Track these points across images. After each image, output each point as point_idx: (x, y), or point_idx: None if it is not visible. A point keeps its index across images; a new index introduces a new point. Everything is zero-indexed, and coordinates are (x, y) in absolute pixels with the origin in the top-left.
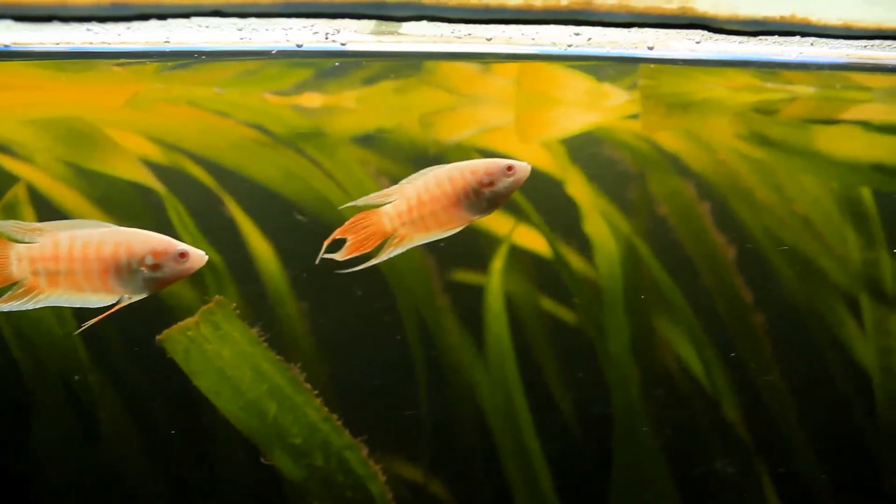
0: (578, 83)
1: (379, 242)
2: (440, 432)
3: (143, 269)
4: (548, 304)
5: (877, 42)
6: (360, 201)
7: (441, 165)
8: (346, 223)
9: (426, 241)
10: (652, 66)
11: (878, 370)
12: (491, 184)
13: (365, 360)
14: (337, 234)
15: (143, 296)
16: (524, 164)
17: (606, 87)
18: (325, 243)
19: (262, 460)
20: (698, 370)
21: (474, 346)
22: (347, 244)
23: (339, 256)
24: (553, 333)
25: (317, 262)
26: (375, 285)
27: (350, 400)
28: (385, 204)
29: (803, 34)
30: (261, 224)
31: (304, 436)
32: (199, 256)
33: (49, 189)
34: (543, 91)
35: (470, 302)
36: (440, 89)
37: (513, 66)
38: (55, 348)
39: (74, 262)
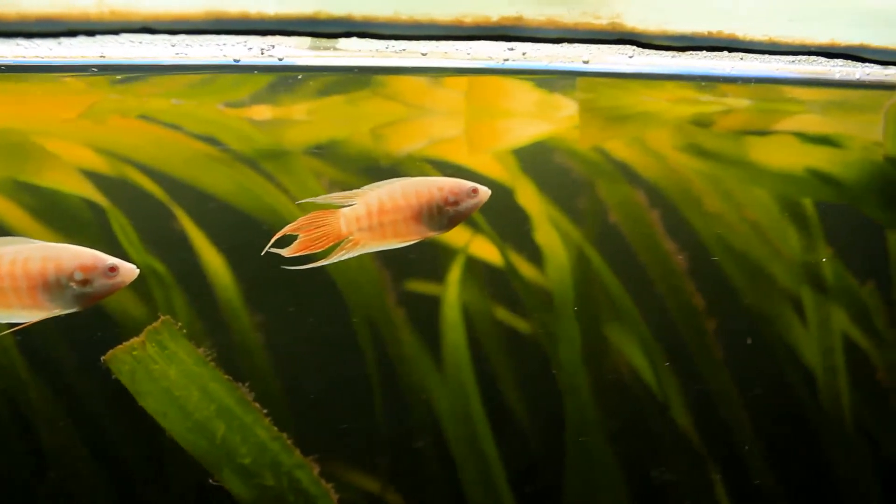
0: (529, 94)
1: (331, 244)
2: (397, 442)
3: (72, 284)
4: (502, 313)
5: (802, 57)
6: (321, 199)
7: (407, 177)
8: (302, 218)
9: (379, 250)
10: (590, 79)
11: (821, 369)
12: (455, 203)
13: (321, 371)
14: (289, 229)
15: (74, 310)
16: (486, 188)
17: (557, 97)
18: (275, 237)
19: (211, 481)
20: (649, 376)
21: (430, 356)
22: (298, 241)
23: (286, 252)
24: (507, 342)
25: (262, 253)
26: (330, 295)
27: (306, 411)
28: (344, 206)
29: (731, 49)
30: (214, 237)
31: (254, 455)
32: (129, 270)
33: None
34: (494, 102)
35: (425, 312)
36: (391, 100)
37: (463, 78)
38: None
39: (2, 279)
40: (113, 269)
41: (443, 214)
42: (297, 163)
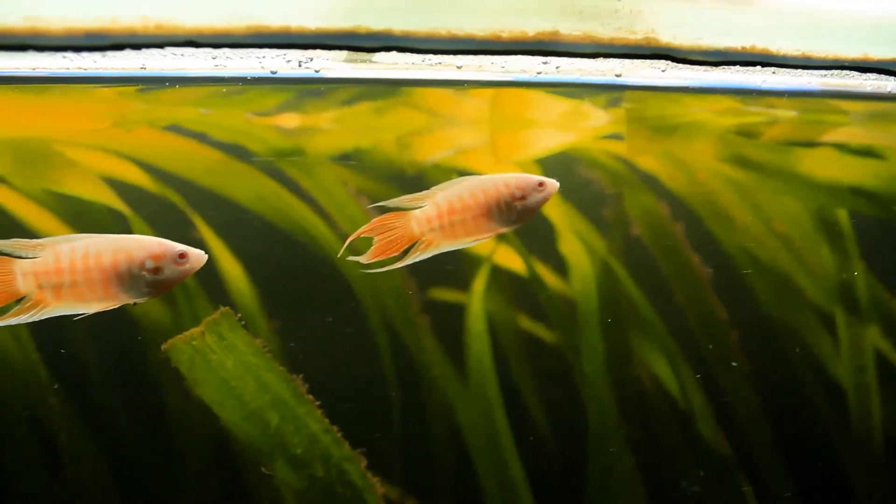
0: (555, 104)
1: (406, 246)
2: (418, 451)
3: (144, 273)
4: (526, 322)
5: (835, 71)
6: (390, 202)
7: (473, 176)
8: (373, 221)
9: (452, 249)
10: (637, 91)
11: (852, 388)
12: (523, 197)
13: (341, 380)
14: (362, 232)
15: (148, 298)
16: (553, 181)
17: (584, 107)
18: (348, 241)
19: (264, 470)
20: (674, 388)
21: (454, 366)
22: (374, 246)
23: (364, 259)
24: (531, 351)
25: (339, 255)
26: (351, 304)
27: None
28: (414, 208)
29: (764, 64)
30: (238, 245)
31: (305, 446)
32: (198, 256)
33: (22, 211)
34: (519, 112)
35: (449, 321)
36: (417, 110)
37: (489, 89)
38: (12, 370)
39: (76, 274)
40: (182, 255)
41: (511, 210)
42: (323, 171)
